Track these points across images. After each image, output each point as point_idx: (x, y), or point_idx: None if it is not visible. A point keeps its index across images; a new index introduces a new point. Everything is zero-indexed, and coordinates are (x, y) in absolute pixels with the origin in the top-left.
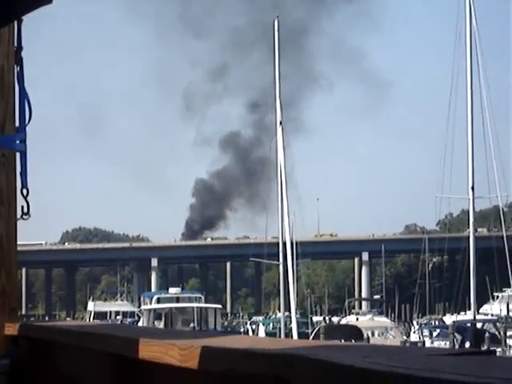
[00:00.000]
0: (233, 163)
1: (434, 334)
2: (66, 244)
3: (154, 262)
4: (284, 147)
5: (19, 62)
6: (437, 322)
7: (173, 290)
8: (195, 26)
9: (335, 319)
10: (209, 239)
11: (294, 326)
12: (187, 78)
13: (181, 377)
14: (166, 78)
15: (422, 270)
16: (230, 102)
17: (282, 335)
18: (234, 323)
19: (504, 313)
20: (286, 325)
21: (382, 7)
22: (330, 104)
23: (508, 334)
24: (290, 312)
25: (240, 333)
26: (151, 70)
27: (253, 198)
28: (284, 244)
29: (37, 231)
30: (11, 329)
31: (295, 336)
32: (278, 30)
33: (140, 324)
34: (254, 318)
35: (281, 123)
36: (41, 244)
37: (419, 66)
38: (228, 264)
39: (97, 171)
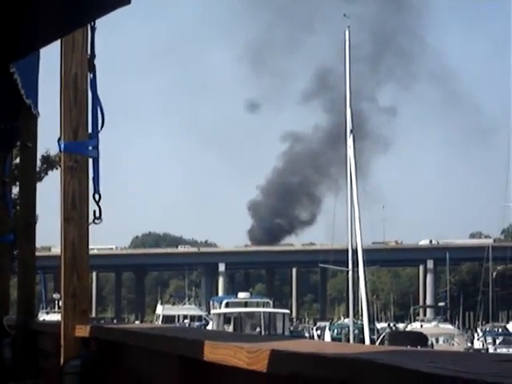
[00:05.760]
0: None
1: (498, 341)
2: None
3: (222, 267)
4: (355, 156)
5: (92, 69)
6: (500, 330)
7: (242, 295)
8: None
9: (401, 326)
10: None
11: (366, 331)
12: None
13: (247, 379)
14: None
15: (485, 278)
16: None
17: (351, 340)
18: (299, 328)
19: None
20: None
21: None
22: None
23: None
24: (357, 318)
25: (306, 338)
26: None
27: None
28: (352, 251)
29: (107, 236)
30: (82, 330)
31: (367, 341)
32: (349, 39)
33: (209, 328)
34: (320, 324)
35: (351, 131)
36: (111, 248)
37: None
38: (294, 270)
39: (165, 176)
